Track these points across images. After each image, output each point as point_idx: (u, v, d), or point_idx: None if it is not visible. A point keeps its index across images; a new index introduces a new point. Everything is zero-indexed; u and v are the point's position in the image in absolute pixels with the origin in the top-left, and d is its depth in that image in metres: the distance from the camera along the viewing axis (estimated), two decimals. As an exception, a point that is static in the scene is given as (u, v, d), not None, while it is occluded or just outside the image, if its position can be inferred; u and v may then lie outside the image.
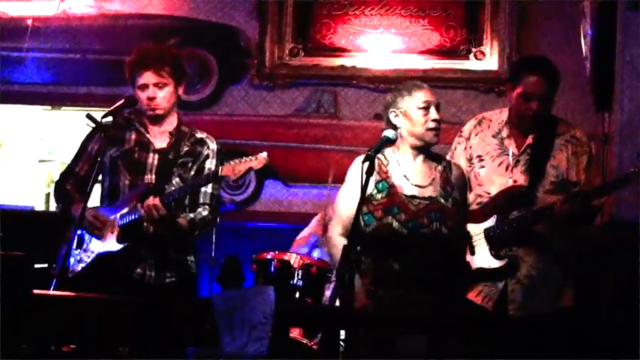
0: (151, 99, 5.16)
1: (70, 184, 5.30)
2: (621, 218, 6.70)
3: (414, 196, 4.64)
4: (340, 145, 8.45)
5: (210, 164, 5.23)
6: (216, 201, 5.23)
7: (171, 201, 5.00)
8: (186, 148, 5.24)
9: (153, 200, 4.93)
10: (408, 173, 4.69)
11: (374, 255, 4.63)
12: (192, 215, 5.14)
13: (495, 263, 5.11)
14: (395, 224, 4.60)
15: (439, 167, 4.75)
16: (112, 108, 5.14)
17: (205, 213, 5.17)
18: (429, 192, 4.66)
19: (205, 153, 5.26)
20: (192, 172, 5.21)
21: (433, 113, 4.68)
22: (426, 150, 4.75)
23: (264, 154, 4.86)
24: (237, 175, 4.86)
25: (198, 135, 5.31)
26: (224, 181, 5.12)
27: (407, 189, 4.66)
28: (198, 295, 5.61)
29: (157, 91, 5.17)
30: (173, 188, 5.10)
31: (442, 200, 4.64)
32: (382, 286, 4.59)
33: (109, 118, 5.15)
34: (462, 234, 4.81)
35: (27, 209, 8.69)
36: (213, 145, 5.29)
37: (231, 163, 4.87)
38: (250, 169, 4.85)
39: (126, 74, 5.26)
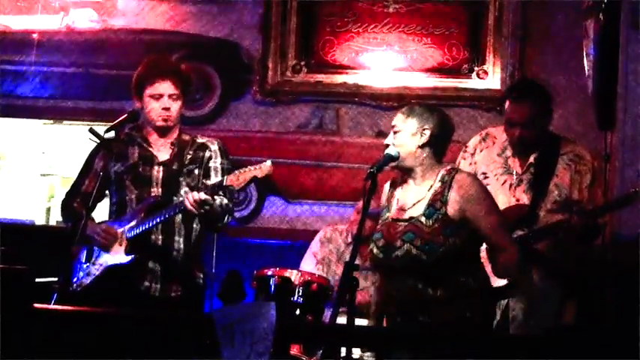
0: (166, 109, 5.19)
1: (77, 202, 5.35)
2: (623, 236, 6.70)
3: (397, 219, 4.57)
4: (342, 162, 8.43)
5: (214, 163, 5.29)
6: (229, 193, 5.22)
7: (215, 191, 4.99)
8: (189, 156, 5.28)
9: (198, 195, 4.90)
10: (401, 196, 4.65)
11: (380, 279, 4.65)
12: (218, 201, 5.14)
13: (498, 281, 5.11)
14: (375, 250, 4.56)
15: (436, 185, 4.53)
16: (114, 123, 5.16)
17: (225, 201, 5.18)
18: (411, 213, 4.54)
19: (208, 155, 5.30)
20: (202, 178, 5.24)
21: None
22: (421, 171, 4.57)
23: (269, 163, 4.87)
24: (242, 184, 4.87)
25: (200, 140, 5.35)
26: (229, 192, 5.11)
27: (394, 213, 4.60)
28: (203, 309, 5.60)
29: (172, 103, 5.20)
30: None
31: (422, 219, 4.47)
32: (390, 308, 4.58)
33: (112, 133, 5.16)
34: (458, 249, 4.45)
35: (27, 223, 8.69)
36: (214, 146, 5.33)
37: (236, 172, 4.89)
38: (254, 177, 4.86)
39: (133, 81, 5.27)
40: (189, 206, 4.90)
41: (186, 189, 5.17)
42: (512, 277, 4.59)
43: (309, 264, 6.97)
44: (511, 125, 5.28)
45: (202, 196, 4.88)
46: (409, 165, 4.56)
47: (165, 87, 5.19)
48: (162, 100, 5.19)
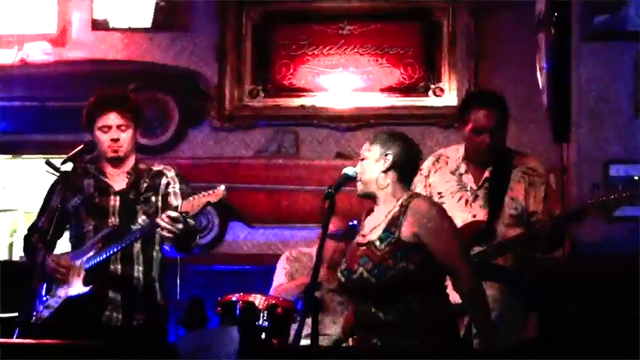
0: (115, 140, 5.18)
1: (35, 237, 5.34)
2: (582, 248, 6.75)
3: (359, 244, 4.53)
4: (303, 185, 8.45)
5: (172, 188, 5.26)
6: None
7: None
8: (145, 184, 5.27)
9: (167, 214, 4.90)
10: (367, 221, 4.64)
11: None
12: (192, 222, 5.12)
13: (459, 298, 5.13)
14: (338, 274, 4.54)
15: (394, 210, 4.47)
16: (71, 154, 5.16)
17: (192, 222, 5.14)
18: (370, 237, 4.49)
19: (165, 182, 5.29)
20: (159, 204, 5.23)
21: None
22: (384, 196, 4.53)
23: (222, 187, 4.86)
24: (196, 209, 4.87)
25: (156, 168, 5.35)
26: (186, 217, 5.09)
27: (359, 237, 4.57)
28: (167, 337, 5.58)
29: (121, 133, 5.20)
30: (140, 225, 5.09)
31: (377, 243, 4.42)
32: (359, 330, 4.59)
33: (69, 165, 5.16)
34: (410, 274, 4.34)
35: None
36: (171, 173, 5.32)
37: (190, 199, 4.90)
38: (208, 202, 4.87)
39: (83, 117, 5.27)
40: (163, 225, 4.88)
41: (144, 217, 5.16)
42: (481, 306, 4.51)
43: (280, 278, 6.93)
44: (479, 132, 5.26)
45: (174, 213, 4.88)
46: (371, 191, 4.53)
47: (113, 118, 5.18)
48: (110, 132, 5.19)
